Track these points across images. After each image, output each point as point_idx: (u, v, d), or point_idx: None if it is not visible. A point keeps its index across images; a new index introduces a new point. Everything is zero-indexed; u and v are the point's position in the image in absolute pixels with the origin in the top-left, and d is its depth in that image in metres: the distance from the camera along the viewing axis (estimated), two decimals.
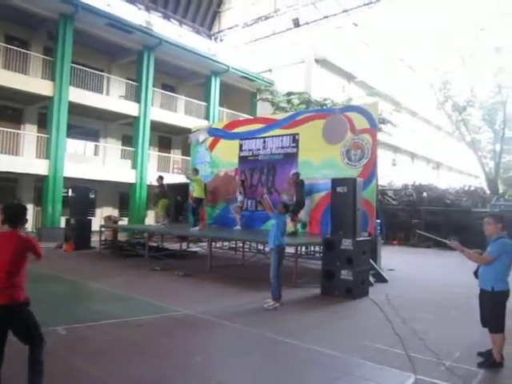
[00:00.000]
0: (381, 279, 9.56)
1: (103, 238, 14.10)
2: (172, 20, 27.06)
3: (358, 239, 7.91)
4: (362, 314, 6.86)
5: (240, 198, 12.37)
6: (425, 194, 22.81)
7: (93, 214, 19.14)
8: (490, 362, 4.45)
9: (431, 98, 30.93)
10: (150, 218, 21.55)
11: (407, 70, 33.36)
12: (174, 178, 19.02)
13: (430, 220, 20.13)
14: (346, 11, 23.25)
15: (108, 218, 15.76)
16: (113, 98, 19.77)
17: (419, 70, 32.71)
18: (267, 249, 7.37)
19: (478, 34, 27.14)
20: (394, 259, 13.03)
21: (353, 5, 23.06)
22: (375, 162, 10.50)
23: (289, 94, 21.08)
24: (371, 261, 9.23)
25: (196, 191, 12.71)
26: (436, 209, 20.78)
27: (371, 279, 8.92)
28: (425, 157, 37.49)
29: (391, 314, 6.52)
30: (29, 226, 17.60)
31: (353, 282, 7.64)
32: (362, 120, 10.69)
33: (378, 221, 11.42)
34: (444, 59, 29.21)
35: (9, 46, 16.62)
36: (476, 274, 4.66)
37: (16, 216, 3.38)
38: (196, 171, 13.15)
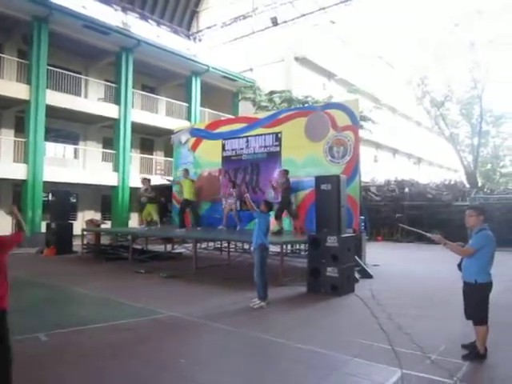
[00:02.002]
0: (366, 275, 9.63)
1: (85, 242, 13.88)
2: (149, 21, 26.82)
3: (342, 236, 7.93)
4: (348, 310, 6.88)
5: (232, 200, 12.27)
6: (407, 189, 23.10)
7: (74, 218, 18.86)
8: (474, 354, 4.50)
9: (410, 94, 31.34)
10: (134, 221, 21.31)
11: (386, 67, 33.71)
12: (157, 179, 18.82)
13: (412, 215, 20.39)
14: (322, 9, 23.38)
15: (90, 222, 15.53)
16: (92, 101, 19.48)
17: (397, 67, 33.11)
18: (251, 248, 7.32)
19: (452, 30, 27.59)
20: (378, 255, 13.15)
21: (329, 2, 23.20)
22: (358, 159, 10.55)
23: (271, 92, 21.10)
24: (356, 257, 9.29)
25: (186, 192, 12.49)
26: (418, 204, 21.06)
27: (356, 275, 8.97)
28: (406, 152, 37.96)
29: (377, 310, 6.55)
30: (8, 231, 17.23)
31: (338, 279, 7.66)
32: (344, 117, 10.73)
33: (362, 217, 11.49)
34: (421, 55, 29.61)
35: None
36: (459, 266, 4.70)
37: None
38: (187, 172, 12.93)
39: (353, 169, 10.45)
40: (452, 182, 24.75)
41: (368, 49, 30.14)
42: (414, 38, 29.25)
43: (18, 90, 16.32)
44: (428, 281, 9.63)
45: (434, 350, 4.70)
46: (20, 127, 17.61)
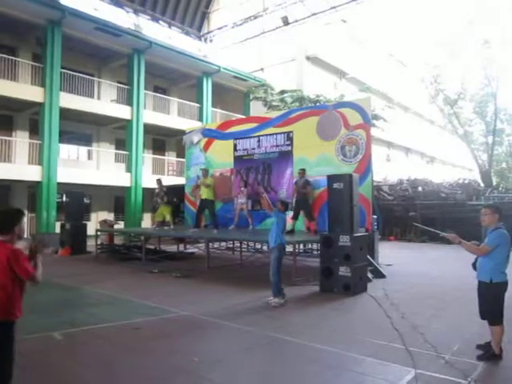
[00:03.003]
0: (379, 275, 9.56)
1: (99, 242, 14.02)
2: (161, 22, 27.00)
3: (355, 235, 7.89)
4: (361, 309, 6.85)
5: (243, 199, 12.27)
6: (420, 188, 22.89)
7: (88, 219, 19.07)
8: (489, 354, 4.44)
9: (423, 92, 31.04)
10: (146, 221, 21.49)
11: (398, 65, 33.47)
12: (169, 180, 18.95)
13: (425, 214, 20.18)
14: (333, 8, 23.29)
15: (103, 222, 15.71)
16: (104, 102, 19.66)
17: (410, 65, 32.82)
18: (267, 248, 7.33)
19: (466, 27, 27.27)
20: (391, 254, 13.07)
21: (341, 1, 23.09)
22: (370, 158, 10.50)
23: (282, 92, 21.07)
24: (369, 257, 9.24)
25: (206, 193, 12.00)
26: (431, 203, 20.83)
27: (369, 275, 8.92)
28: (419, 151, 37.63)
29: (390, 309, 6.51)
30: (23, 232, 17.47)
31: (351, 279, 7.63)
32: (356, 116, 10.69)
33: (375, 216, 11.42)
34: (434, 53, 29.32)
35: None
36: (474, 265, 4.65)
37: None
38: (206, 172, 12.48)
39: (365, 168, 10.41)
40: (466, 181, 24.44)
41: (380, 47, 29.96)
42: (427, 36, 28.98)
43: (32, 92, 16.55)
44: (442, 280, 9.53)
45: (448, 350, 4.66)
46: (35, 129, 17.86)
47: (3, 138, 16.76)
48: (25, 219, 3.12)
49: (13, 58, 16.87)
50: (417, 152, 37.55)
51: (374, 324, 5.85)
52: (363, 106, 10.73)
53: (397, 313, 6.30)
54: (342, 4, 23.10)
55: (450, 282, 9.15)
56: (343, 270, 7.70)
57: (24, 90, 16.45)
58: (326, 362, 4.43)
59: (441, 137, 38.61)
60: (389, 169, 28.15)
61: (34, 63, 17.50)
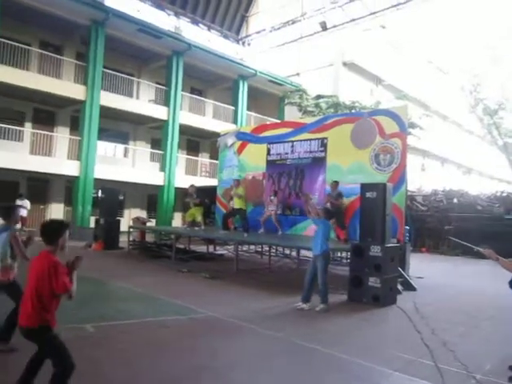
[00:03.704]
0: (409, 287, 9.36)
1: (131, 239, 14.32)
2: (200, 25, 27.42)
3: (386, 246, 7.78)
4: (390, 322, 6.74)
5: (272, 207, 12.31)
6: (455, 199, 22.24)
7: (121, 215, 19.53)
8: None
9: (462, 101, 30.25)
10: (177, 220, 21.81)
11: (437, 73, 32.73)
12: (201, 181, 19.19)
13: (460, 227, 19.60)
14: (373, 13, 23.06)
15: (136, 219, 16.04)
16: (142, 102, 20.13)
17: (449, 73, 32.05)
18: (312, 255, 7.34)
19: (508, 34, 26.43)
20: (422, 267, 12.75)
21: (380, 7, 22.82)
22: (405, 167, 10.32)
23: (318, 96, 20.99)
24: (399, 268, 9.06)
25: (238, 203, 12.31)
26: (467, 215, 20.22)
27: (399, 287, 8.75)
28: (455, 161, 36.63)
29: (420, 324, 6.37)
30: None
31: (381, 290, 7.51)
32: (392, 124, 10.52)
33: (407, 227, 11.19)
34: (474, 60, 28.55)
35: (43, 51, 17.18)
36: (511, 284, 4.50)
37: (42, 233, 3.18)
38: (238, 183, 12.66)
39: (399, 177, 10.23)
40: (504, 194, 23.58)
41: (418, 53, 29.39)
42: (468, 43, 28.24)
43: (74, 90, 17.13)
44: (475, 296, 9.24)
45: (479, 370, 4.52)
46: (75, 126, 18.47)
47: (45, 132, 17.41)
48: (68, 232, 3.23)
49: (58, 56, 17.52)
50: (453, 162, 36.56)
51: (403, 338, 5.74)
52: (400, 115, 10.55)
53: (427, 327, 6.16)
54: (381, 10, 22.83)
55: (483, 299, 8.87)
56: (373, 281, 7.59)
57: (67, 87, 17.05)
58: (352, 373, 4.39)
59: (479, 147, 37.47)
60: (423, 179, 27.53)
61: (77, 62, 18.13)
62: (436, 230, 20.45)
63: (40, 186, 18.76)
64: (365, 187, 8.32)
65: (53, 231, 3.16)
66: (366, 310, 7.22)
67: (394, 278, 8.11)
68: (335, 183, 10.78)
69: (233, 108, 23.19)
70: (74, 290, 3.10)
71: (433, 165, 33.61)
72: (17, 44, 16.01)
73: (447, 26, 30.49)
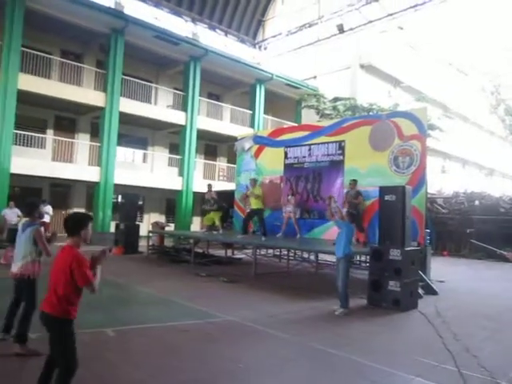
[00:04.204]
0: (430, 291, 9.22)
1: (151, 243, 14.47)
2: (217, 30, 27.62)
3: (406, 249, 7.68)
4: (411, 327, 6.64)
5: (290, 208, 12.28)
6: (477, 202, 21.80)
7: (140, 220, 19.74)
8: None
9: (483, 102, 29.71)
10: (196, 225, 21.95)
11: (456, 74, 32.23)
12: (219, 185, 19.29)
13: (482, 230, 19.23)
14: (391, 15, 22.85)
15: (155, 224, 16.20)
16: (160, 108, 20.36)
17: (470, 73, 31.53)
18: (335, 258, 7.32)
19: None
20: (444, 270, 12.54)
21: (398, 8, 22.62)
22: (424, 169, 10.19)
23: (335, 99, 20.91)
24: (420, 272, 8.93)
25: (255, 203, 12.15)
26: (489, 218, 19.82)
27: (420, 291, 8.62)
28: (477, 163, 35.95)
29: (442, 328, 6.27)
30: None
31: (401, 294, 7.41)
32: (411, 126, 10.41)
33: (428, 230, 11.03)
34: (495, 61, 28.03)
35: (64, 60, 17.55)
36: None
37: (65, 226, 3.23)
38: (255, 182, 12.58)
39: (419, 179, 10.11)
40: None
41: (438, 55, 29.01)
42: (487, 45, 27.76)
43: (95, 97, 17.43)
44: (498, 300, 9.05)
45: (503, 376, 4.42)
46: (95, 132, 18.78)
47: (67, 139, 17.76)
48: (91, 224, 3.26)
49: (78, 64, 17.87)
50: (475, 164, 35.89)
51: (425, 343, 5.65)
52: (419, 117, 10.43)
53: (449, 332, 6.05)
54: (399, 11, 22.63)
55: (507, 303, 8.68)
56: (393, 285, 7.50)
57: (87, 94, 17.36)
58: (372, 378, 4.34)
59: (501, 148, 36.70)
60: (444, 181, 27.10)
61: (97, 69, 18.45)
62: (457, 232, 20.10)
63: (62, 192, 19.13)
64: (384, 190, 8.25)
65: (75, 223, 3.20)
66: (386, 315, 7.14)
67: (415, 281, 8.00)
68: (353, 182, 10.72)
69: (250, 112, 23.27)
70: (96, 283, 3.11)
71: (453, 167, 33.06)
72: (39, 53, 16.39)
73: (466, 26, 30.02)
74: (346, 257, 7.05)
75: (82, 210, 19.41)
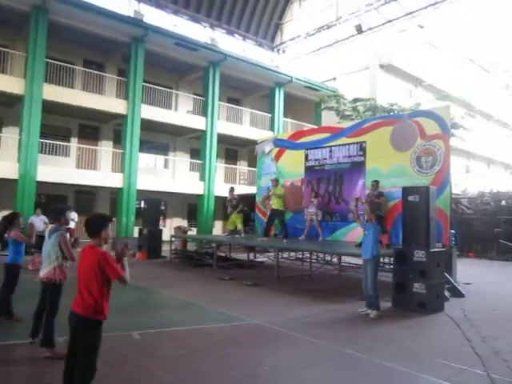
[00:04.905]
0: (457, 294, 9.03)
1: (173, 248, 14.60)
2: (236, 35, 27.79)
3: (431, 251, 7.56)
4: (438, 330, 6.51)
5: (313, 209, 12.23)
6: (503, 202, 21.30)
7: (163, 225, 19.93)
8: None
9: (507, 100, 29.02)
10: (217, 229, 22.05)
11: (479, 71, 31.60)
12: (240, 188, 19.33)
13: (509, 230, 18.77)
14: (410, 13, 22.57)
15: (178, 229, 16.36)
16: (181, 113, 20.56)
17: (492, 71, 30.85)
18: (362, 259, 7.28)
19: None
20: (470, 272, 12.29)
21: (418, 6, 22.33)
22: (448, 169, 10.02)
23: (355, 100, 20.77)
24: (446, 274, 8.77)
25: (277, 203, 12.28)
26: None
27: (446, 293, 8.46)
28: (503, 162, 35.11)
29: (469, 332, 6.13)
30: None
31: (426, 296, 7.29)
32: (433, 125, 10.26)
33: (453, 231, 10.83)
34: None
35: (86, 69, 17.93)
36: None
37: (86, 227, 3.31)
38: (277, 182, 12.68)
39: (442, 180, 9.95)
40: None
41: (459, 52, 28.50)
42: (510, 40, 27.11)
43: (117, 105, 17.74)
44: None
45: None
46: (118, 139, 19.10)
47: (90, 147, 18.12)
48: (111, 225, 3.34)
49: (100, 73, 18.24)
50: (500, 163, 35.06)
51: (452, 346, 5.54)
52: (441, 115, 10.27)
53: (477, 336, 5.92)
54: (418, 9, 22.34)
55: None
56: (418, 287, 7.39)
57: (109, 102, 17.68)
58: (397, 382, 4.28)
59: None
60: (468, 181, 26.56)
61: (118, 77, 18.77)
62: (483, 233, 19.65)
63: (86, 199, 19.49)
64: (407, 191, 8.15)
65: (96, 224, 3.29)
66: (411, 317, 7.03)
67: (441, 283, 7.86)
68: (376, 183, 10.57)
69: (269, 115, 23.28)
70: (127, 275, 3.20)
71: (478, 166, 32.37)
72: (62, 64, 16.79)
73: (487, 22, 29.40)
74: (374, 258, 7.03)
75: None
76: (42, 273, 4.76)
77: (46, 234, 4.96)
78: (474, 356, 5.04)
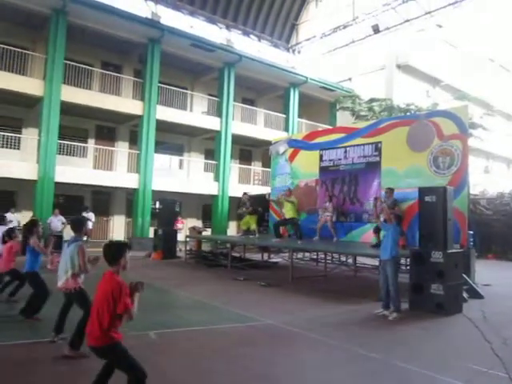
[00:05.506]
0: (476, 295, 8.87)
1: (188, 248, 14.66)
2: (251, 36, 27.81)
3: (449, 251, 7.43)
4: (456, 331, 6.40)
5: (328, 213, 12.15)
6: None
7: (181, 227, 20.04)
8: None
9: None
10: (232, 229, 22.08)
11: (499, 70, 31.04)
12: (254, 189, 19.33)
13: None
14: (428, 13, 22.25)
15: (193, 229, 16.41)
16: (196, 114, 20.67)
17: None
18: (381, 259, 7.22)
19: None
20: (489, 274, 12.06)
21: (436, 5, 22.02)
22: (466, 170, 9.86)
23: (371, 100, 20.59)
24: (464, 275, 8.62)
25: (290, 211, 12.38)
26: None
27: (465, 295, 8.31)
28: None
29: (489, 333, 6.01)
30: (121, 236, 18.88)
31: (444, 297, 7.16)
32: (451, 125, 10.11)
33: (471, 232, 10.65)
34: None
35: (104, 71, 18.15)
36: None
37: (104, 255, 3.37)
38: (290, 192, 12.77)
39: (460, 180, 9.79)
40: None
41: (479, 52, 28.04)
42: None
43: (133, 106, 17.92)
44: None
45: None
46: (133, 140, 19.28)
47: (107, 148, 18.33)
48: (128, 252, 3.40)
49: (118, 74, 18.44)
50: None
51: (471, 348, 5.44)
52: (459, 115, 10.12)
53: (497, 337, 5.80)
54: (437, 9, 22.03)
55: None
56: (435, 288, 7.27)
57: (126, 103, 17.86)
58: None
59: None
60: (487, 181, 26.09)
61: (135, 79, 18.96)
62: (503, 234, 19.29)
63: (103, 199, 19.73)
64: (423, 191, 8.02)
65: (114, 253, 3.35)
66: (429, 319, 6.92)
67: (459, 285, 7.73)
68: (390, 190, 10.29)
69: (284, 116, 23.25)
70: (134, 311, 3.25)
71: (498, 166, 31.80)
72: (81, 65, 17.02)
73: (507, 21, 28.87)
74: (394, 259, 6.95)
75: (122, 217, 19.96)
76: (60, 283, 4.87)
77: (65, 244, 5.06)
78: (495, 358, 4.93)
